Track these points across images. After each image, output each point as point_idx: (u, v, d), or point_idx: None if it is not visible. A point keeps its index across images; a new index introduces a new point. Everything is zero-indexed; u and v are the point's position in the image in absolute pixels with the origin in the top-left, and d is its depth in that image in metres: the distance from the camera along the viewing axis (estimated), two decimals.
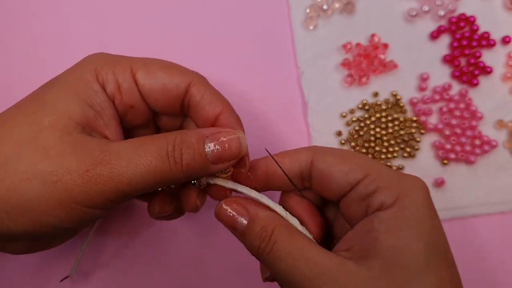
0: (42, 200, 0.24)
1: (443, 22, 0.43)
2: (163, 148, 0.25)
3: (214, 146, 0.26)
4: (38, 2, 0.43)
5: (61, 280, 0.36)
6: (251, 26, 0.43)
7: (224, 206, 0.27)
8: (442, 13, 0.42)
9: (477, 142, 0.41)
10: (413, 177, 0.27)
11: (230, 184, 0.29)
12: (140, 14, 0.43)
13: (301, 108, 0.42)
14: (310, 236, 0.28)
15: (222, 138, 0.27)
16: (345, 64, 0.42)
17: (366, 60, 0.42)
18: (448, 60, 0.42)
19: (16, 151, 0.25)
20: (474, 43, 0.42)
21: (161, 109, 0.30)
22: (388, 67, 0.42)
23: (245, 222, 0.27)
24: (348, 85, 0.42)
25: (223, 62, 0.42)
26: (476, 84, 0.42)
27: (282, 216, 0.28)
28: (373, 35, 0.42)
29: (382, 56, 0.42)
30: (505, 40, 0.42)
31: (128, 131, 0.31)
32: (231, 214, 0.27)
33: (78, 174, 0.24)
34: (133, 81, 0.28)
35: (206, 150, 0.26)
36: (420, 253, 0.24)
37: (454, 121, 0.41)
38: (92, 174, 0.24)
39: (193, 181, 0.29)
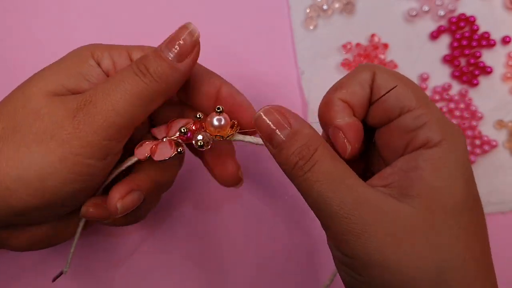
0: (41, 162, 0.25)
1: (443, 22, 0.43)
2: (129, 70, 0.26)
3: (169, 46, 0.27)
4: (38, 3, 0.43)
5: (53, 279, 0.34)
6: (251, 26, 0.43)
7: (263, 116, 0.25)
8: (442, 13, 0.43)
9: (477, 142, 0.41)
10: (454, 123, 0.26)
11: (240, 137, 0.29)
12: (139, 15, 0.43)
13: (301, 108, 0.42)
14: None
15: (171, 36, 0.27)
16: (345, 64, 0.42)
17: (366, 60, 0.42)
18: (448, 60, 0.42)
19: (10, 123, 0.26)
20: (474, 43, 0.42)
21: None
22: (388, 67, 0.42)
23: (282, 136, 0.25)
24: None
25: (222, 62, 0.42)
26: (476, 84, 0.42)
27: None
28: (373, 35, 0.42)
29: (382, 56, 0.42)
30: (505, 40, 0.42)
31: None
32: (270, 125, 0.25)
33: (68, 122, 0.25)
34: (129, 59, 0.29)
35: (164, 53, 0.27)
36: (462, 196, 0.24)
37: (454, 121, 0.41)
38: (80, 118, 0.25)
39: (198, 142, 0.28)
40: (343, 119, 0.26)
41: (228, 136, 0.28)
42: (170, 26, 0.43)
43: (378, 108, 0.26)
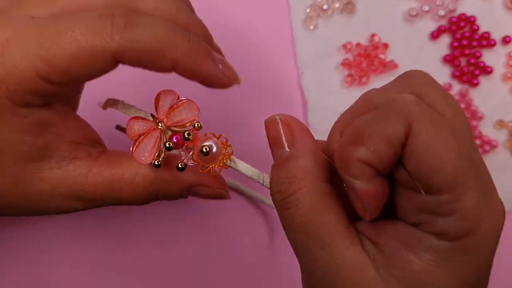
0: None
1: (443, 22, 0.43)
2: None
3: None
4: None
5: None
6: (251, 26, 0.43)
7: (270, 124, 0.22)
8: (442, 13, 0.42)
9: (478, 142, 0.41)
10: (498, 207, 0.21)
11: (232, 164, 0.24)
12: None
13: (301, 108, 0.42)
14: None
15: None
16: (345, 64, 0.42)
17: (366, 60, 0.42)
18: (448, 60, 0.42)
19: None
20: (474, 43, 0.42)
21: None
22: (388, 67, 0.42)
23: (276, 156, 0.22)
24: (348, 85, 0.42)
25: None
26: (476, 84, 0.42)
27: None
28: (373, 35, 0.42)
29: (382, 56, 0.42)
30: (505, 40, 0.42)
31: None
32: (276, 135, 0.22)
33: None
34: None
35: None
36: None
37: None
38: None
39: (180, 166, 0.23)
40: (362, 183, 0.20)
41: (218, 166, 0.23)
42: None
43: (402, 173, 0.20)
